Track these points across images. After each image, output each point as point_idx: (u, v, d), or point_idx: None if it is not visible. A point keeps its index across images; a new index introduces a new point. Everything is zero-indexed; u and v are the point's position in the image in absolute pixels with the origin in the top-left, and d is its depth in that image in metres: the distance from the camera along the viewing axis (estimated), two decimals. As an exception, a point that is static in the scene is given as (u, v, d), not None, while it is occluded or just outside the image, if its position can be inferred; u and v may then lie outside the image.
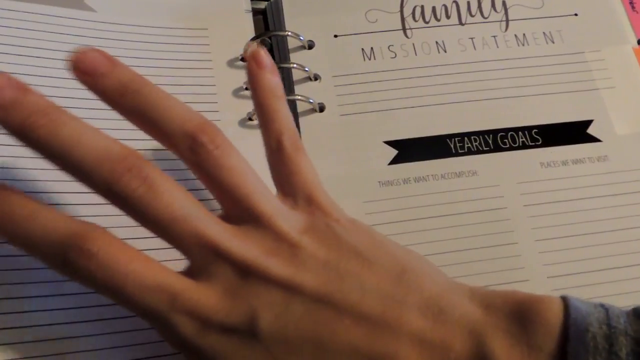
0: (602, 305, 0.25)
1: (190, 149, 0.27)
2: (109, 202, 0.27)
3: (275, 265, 0.26)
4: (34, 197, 0.28)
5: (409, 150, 0.38)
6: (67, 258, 0.25)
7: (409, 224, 0.36)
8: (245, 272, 0.26)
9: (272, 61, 0.32)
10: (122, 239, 0.27)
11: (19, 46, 0.38)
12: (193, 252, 0.26)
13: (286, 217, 0.28)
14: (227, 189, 0.27)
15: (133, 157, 0.26)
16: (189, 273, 0.27)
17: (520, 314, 0.25)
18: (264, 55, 0.32)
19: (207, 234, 0.26)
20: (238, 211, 0.28)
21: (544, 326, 0.24)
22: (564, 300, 0.25)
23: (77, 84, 0.38)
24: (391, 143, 0.39)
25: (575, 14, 0.44)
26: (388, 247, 0.28)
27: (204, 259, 0.26)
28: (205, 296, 0.26)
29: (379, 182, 0.37)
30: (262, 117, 0.31)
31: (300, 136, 0.38)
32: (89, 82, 0.29)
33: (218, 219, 0.27)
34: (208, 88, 0.39)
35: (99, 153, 0.26)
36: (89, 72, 0.28)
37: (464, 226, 0.36)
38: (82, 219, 0.27)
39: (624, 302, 0.34)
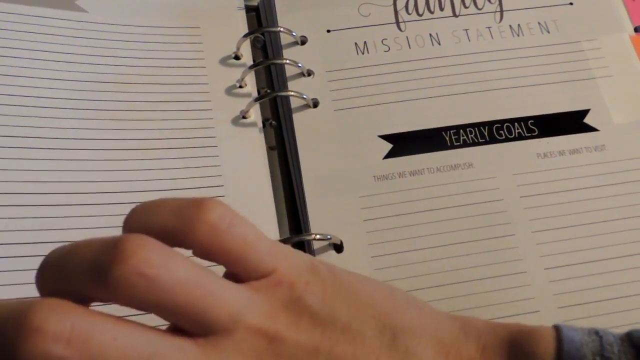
0: (596, 333, 0.25)
1: (126, 288, 0.21)
2: None
3: None
4: None
5: (404, 144, 0.38)
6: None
7: (405, 217, 0.36)
8: None
9: None
10: None
11: (11, 48, 0.38)
12: None
13: (251, 308, 0.23)
14: (176, 312, 0.22)
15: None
16: None
17: (515, 354, 0.25)
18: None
19: None
20: (199, 328, 0.23)
21: None
22: (557, 330, 0.25)
23: (70, 84, 0.38)
24: (386, 137, 0.38)
25: (571, 3, 0.43)
26: (366, 301, 0.26)
27: None
28: None
29: (374, 176, 0.37)
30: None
31: (295, 131, 0.38)
32: None
33: (183, 345, 0.22)
34: (201, 86, 0.39)
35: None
36: None
37: (460, 219, 0.36)
38: None
39: (621, 293, 0.34)
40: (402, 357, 0.25)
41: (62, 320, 0.20)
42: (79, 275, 0.21)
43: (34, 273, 0.22)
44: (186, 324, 0.22)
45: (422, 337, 0.25)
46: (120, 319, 0.21)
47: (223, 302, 0.23)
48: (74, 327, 0.20)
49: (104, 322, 0.21)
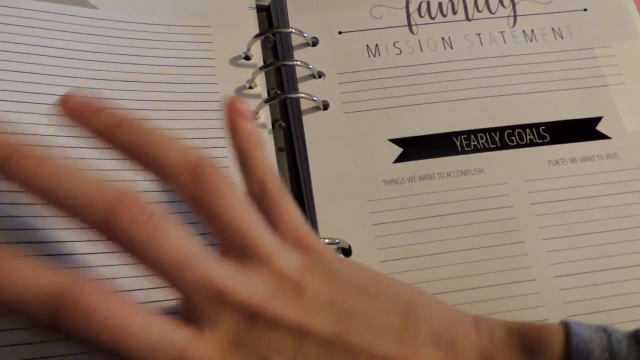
0: (604, 330, 0.25)
1: (187, 183, 0.26)
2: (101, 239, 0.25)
3: (283, 308, 0.25)
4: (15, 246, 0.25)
5: (415, 148, 0.38)
6: (60, 318, 0.23)
7: (414, 223, 0.36)
8: (253, 317, 0.25)
9: (249, 109, 0.31)
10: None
11: (21, 44, 0.38)
12: (198, 298, 0.25)
13: (285, 256, 0.27)
14: (223, 225, 0.26)
15: (132, 194, 0.25)
16: (189, 317, 0.25)
17: (525, 347, 0.25)
18: (242, 103, 0.31)
19: (214, 280, 0.25)
20: (236, 247, 0.26)
21: (548, 356, 0.25)
22: (566, 326, 0.25)
23: (78, 82, 0.38)
24: (396, 141, 0.38)
25: (585, 9, 0.43)
26: (389, 282, 0.28)
27: (209, 306, 0.25)
28: (213, 348, 0.24)
29: (384, 180, 0.37)
30: (244, 165, 0.30)
31: (304, 134, 0.38)
32: (82, 119, 0.28)
33: (220, 258, 0.26)
34: (210, 86, 0.39)
35: (91, 189, 0.25)
36: (82, 109, 0.28)
37: (469, 225, 0.36)
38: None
39: (631, 302, 0.34)
40: (410, 322, 0.26)
41: (144, 209, 0.25)
42: (171, 165, 0.27)
43: None
44: (226, 240, 0.27)
45: (436, 313, 0.27)
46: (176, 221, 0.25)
47: (262, 236, 0.27)
48: (153, 212, 0.25)
49: (166, 214, 0.25)
